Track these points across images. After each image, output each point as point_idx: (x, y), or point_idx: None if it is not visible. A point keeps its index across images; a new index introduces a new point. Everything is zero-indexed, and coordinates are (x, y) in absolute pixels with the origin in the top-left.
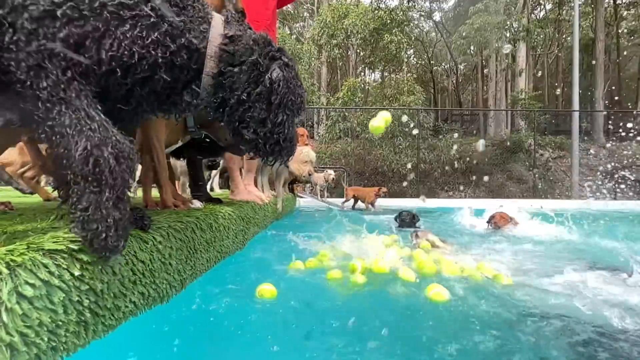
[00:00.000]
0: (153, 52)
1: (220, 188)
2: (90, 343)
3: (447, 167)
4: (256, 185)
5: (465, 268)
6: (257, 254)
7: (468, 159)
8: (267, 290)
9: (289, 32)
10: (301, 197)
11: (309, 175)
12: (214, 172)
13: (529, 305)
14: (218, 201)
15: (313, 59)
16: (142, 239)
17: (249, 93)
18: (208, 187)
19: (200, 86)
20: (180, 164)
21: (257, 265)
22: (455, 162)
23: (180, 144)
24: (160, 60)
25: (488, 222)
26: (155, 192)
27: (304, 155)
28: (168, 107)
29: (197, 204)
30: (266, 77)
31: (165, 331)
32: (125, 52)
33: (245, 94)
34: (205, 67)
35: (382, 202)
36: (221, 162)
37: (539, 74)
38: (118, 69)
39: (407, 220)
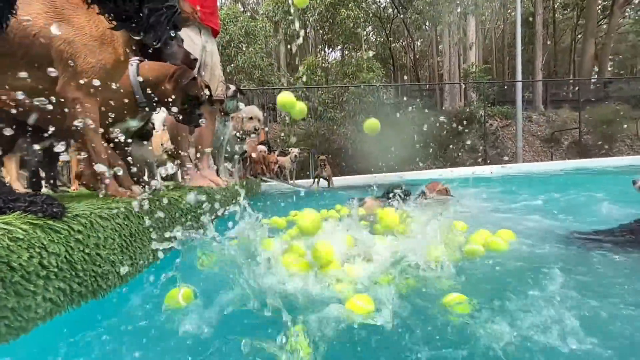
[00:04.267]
0: None
1: None
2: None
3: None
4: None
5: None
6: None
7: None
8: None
9: (242, 8)
10: (266, 181)
11: (255, 130)
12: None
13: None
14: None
15: (269, 37)
16: (52, 228)
17: None
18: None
19: None
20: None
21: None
22: (415, 136)
23: (136, 123)
24: None
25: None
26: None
27: (247, 112)
28: None
29: (135, 189)
30: None
31: (95, 330)
32: None
33: None
34: None
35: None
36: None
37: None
38: None
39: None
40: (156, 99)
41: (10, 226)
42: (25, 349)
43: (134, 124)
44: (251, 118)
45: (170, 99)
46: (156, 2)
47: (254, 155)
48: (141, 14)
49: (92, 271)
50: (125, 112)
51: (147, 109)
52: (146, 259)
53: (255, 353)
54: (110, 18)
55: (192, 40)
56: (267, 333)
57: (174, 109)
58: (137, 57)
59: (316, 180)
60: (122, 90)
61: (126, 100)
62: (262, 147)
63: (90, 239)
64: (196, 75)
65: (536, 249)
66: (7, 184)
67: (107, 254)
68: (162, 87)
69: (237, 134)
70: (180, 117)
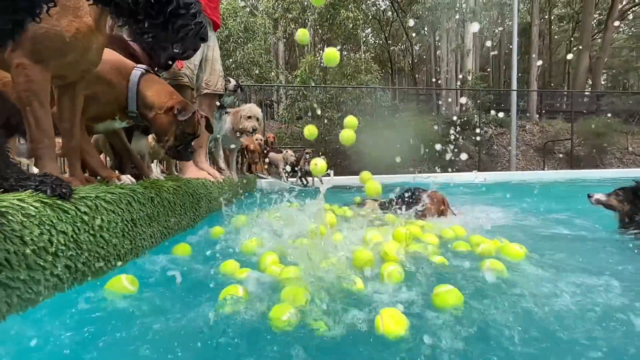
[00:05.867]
0: None
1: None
2: (8, 318)
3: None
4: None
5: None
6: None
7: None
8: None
9: (242, 4)
10: (262, 177)
11: (253, 130)
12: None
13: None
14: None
15: (268, 34)
16: (61, 208)
17: None
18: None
19: None
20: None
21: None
22: (411, 140)
23: (121, 123)
24: None
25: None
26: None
27: (246, 111)
28: None
29: (126, 179)
30: None
31: (93, 308)
32: None
33: None
34: None
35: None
36: None
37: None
38: None
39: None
40: (147, 118)
41: (24, 203)
42: (32, 321)
43: (117, 125)
44: (250, 117)
45: (162, 132)
46: (186, 19)
47: (251, 145)
48: (171, 29)
49: (95, 252)
50: (113, 111)
51: (130, 121)
52: (145, 244)
53: None
54: (139, 34)
55: None
56: None
57: (166, 141)
58: (144, 66)
59: (300, 176)
60: (115, 88)
61: (117, 101)
62: (259, 136)
63: (94, 221)
64: (195, 110)
65: None
66: (18, 164)
67: (110, 237)
68: (157, 113)
69: (235, 132)
70: (171, 152)
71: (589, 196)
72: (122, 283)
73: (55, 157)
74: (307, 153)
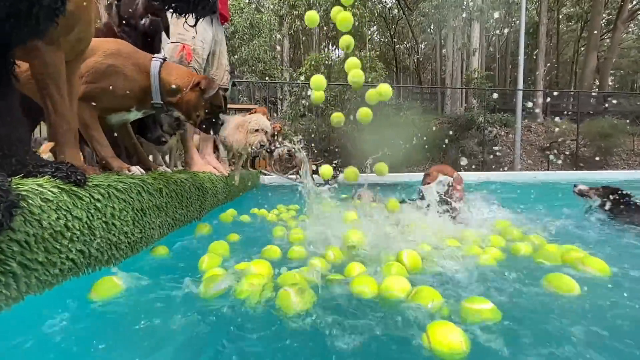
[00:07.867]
0: None
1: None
2: (26, 298)
3: (407, 144)
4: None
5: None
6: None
7: (426, 137)
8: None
9: (247, 0)
10: (266, 174)
11: (261, 146)
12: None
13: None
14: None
15: (274, 30)
16: (77, 195)
17: None
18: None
19: None
20: None
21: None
22: (414, 138)
23: (136, 114)
24: None
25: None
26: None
27: (253, 124)
28: None
29: (136, 170)
30: None
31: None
32: None
33: None
34: None
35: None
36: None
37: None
38: None
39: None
40: (173, 104)
41: (42, 188)
42: (48, 303)
43: (132, 117)
44: (257, 130)
45: (192, 108)
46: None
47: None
48: (192, 3)
49: (106, 239)
50: (129, 103)
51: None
52: (154, 233)
53: None
54: (165, 5)
55: (205, 29)
56: None
57: (197, 116)
58: (161, 55)
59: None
60: (132, 82)
61: (134, 93)
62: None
63: (107, 209)
64: (220, 85)
65: None
66: (36, 153)
67: (122, 225)
68: (183, 95)
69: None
70: (204, 127)
71: (574, 186)
72: (113, 282)
73: (76, 142)
74: (289, 150)
